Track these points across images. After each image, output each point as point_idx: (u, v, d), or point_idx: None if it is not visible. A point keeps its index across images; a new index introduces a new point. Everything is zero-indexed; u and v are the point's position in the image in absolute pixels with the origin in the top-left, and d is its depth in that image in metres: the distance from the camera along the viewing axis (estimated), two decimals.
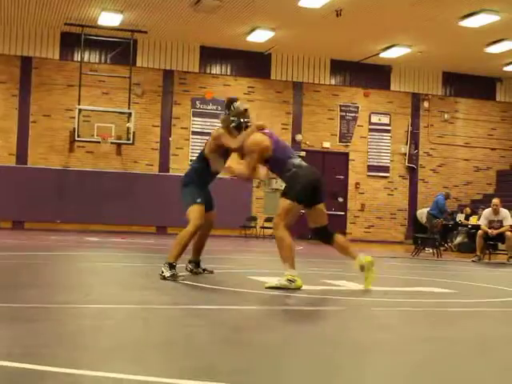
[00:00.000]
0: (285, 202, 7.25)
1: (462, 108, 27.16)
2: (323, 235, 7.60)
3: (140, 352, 3.66)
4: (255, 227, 24.04)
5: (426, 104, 26.64)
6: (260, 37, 22.65)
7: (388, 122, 26.33)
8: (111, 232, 21.71)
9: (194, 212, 7.76)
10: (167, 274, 7.37)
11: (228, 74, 24.94)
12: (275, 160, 7.37)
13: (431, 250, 17.24)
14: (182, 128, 24.34)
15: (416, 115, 26.59)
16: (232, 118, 7.60)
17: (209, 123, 24.50)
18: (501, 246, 15.59)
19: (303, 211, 7.49)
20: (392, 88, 26.33)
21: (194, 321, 4.88)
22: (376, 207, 25.95)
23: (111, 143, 22.62)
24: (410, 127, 26.44)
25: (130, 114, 22.57)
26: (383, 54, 24.18)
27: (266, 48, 24.06)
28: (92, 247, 14.18)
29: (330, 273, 9.62)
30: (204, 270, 8.29)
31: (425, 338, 4.57)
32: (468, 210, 21.66)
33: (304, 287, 7.29)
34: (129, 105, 22.86)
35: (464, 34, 21.13)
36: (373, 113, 26.14)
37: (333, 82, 25.88)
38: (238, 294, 6.65)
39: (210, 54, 24.51)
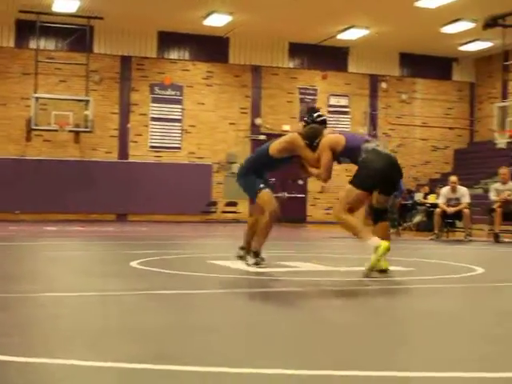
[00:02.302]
0: (350, 190, 7.16)
1: (420, 88, 27.40)
2: (378, 217, 7.38)
3: (98, 338, 3.69)
4: (216, 212, 24.05)
5: (383, 85, 26.83)
6: (217, 21, 22.59)
7: (347, 104, 26.48)
8: (71, 221, 21.59)
9: (263, 199, 7.61)
10: (251, 261, 7.54)
11: (186, 58, 24.86)
12: (349, 150, 7.25)
13: (390, 230, 17.43)
14: (140, 114, 24.23)
15: (374, 96, 26.78)
16: (309, 135, 7.50)
17: (168, 109, 24.44)
18: (459, 223, 15.78)
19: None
20: (350, 70, 26.46)
21: (151, 306, 4.91)
22: (335, 189, 26.08)
23: (69, 131, 22.45)
24: (368, 108, 26.63)
25: (87, 101, 22.39)
26: (341, 36, 24.28)
27: (223, 32, 24.00)
28: (51, 237, 14.09)
29: (289, 255, 9.70)
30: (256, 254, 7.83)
31: (381, 314, 4.66)
32: (426, 188, 21.87)
33: (263, 269, 7.37)
34: (86, 92, 22.67)
35: (420, 14, 21.29)
36: (331, 95, 26.26)
37: (291, 65, 25.94)
38: (198, 279, 6.68)
39: (167, 40, 24.40)
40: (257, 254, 7.53)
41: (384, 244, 6.71)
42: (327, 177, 7.51)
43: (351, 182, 7.15)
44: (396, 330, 4.18)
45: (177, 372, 2.94)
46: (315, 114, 7.79)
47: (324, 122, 7.73)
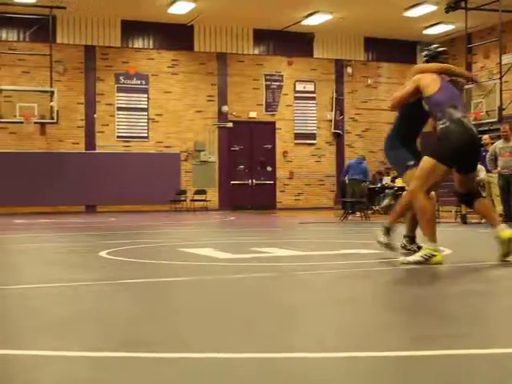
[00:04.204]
0: (427, 162, 6.48)
1: (385, 72, 27.54)
2: (468, 200, 6.86)
3: (67, 328, 3.68)
4: (185, 200, 24.03)
5: (349, 70, 26.92)
6: (181, 8, 22.48)
7: (313, 90, 26.54)
8: (39, 213, 21.45)
9: (410, 177, 6.89)
10: (380, 238, 7.11)
11: (151, 47, 24.74)
12: (434, 102, 6.64)
13: (359, 214, 17.58)
14: (106, 104, 24.08)
15: (340, 81, 26.86)
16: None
17: (134, 98, 24.32)
18: None
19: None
20: (315, 55, 26.50)
21: (120, 295, 4.91)
22: (304, 174, 26.23)
23: (35, 123, 22.23)
24: (334, 94, 26.71)
25: (52, 92, 22.17)
26: (305, 22, 24.30)
27: (188, 20, 23.90)
28: (20, 229, 14.00)
29: (260, 241, 9.73)
30: (418, 247, 7.11)
31: (347, 298, 4.71)
32: (394, 172, 22.02)
33: (234, 256, 7.40)
34: (51, 83, 22.43)
35: None
36: (297, 81, 26.30)
37: (256, 51, 25.92)
38: (167, 267, 6.69)
39: (131, 28, 24.24)
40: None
41: (439, 257, 6.33)
42: (394, 105, 7.08)
43: (430, 153, 6.49)
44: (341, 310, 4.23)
45: (146, 359, 2.95)
46: (433, 46, 7.39)
47: (444, 53, 7.28)
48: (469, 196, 6.78)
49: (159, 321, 3.90)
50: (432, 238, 6.37)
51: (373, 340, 3.33)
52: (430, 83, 6.72)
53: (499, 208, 14.52)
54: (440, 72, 6.88)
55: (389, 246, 7.08)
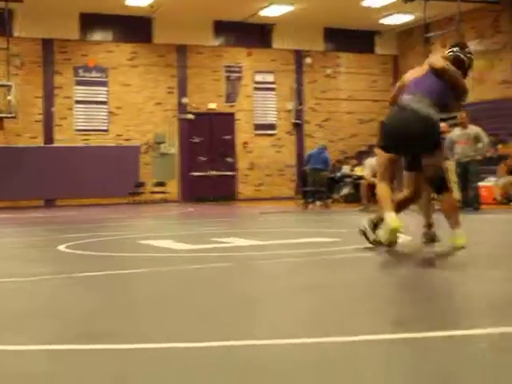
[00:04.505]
0: (377, 150, 6.65)
1: (344, 62, 27.68)
2: (436, 189, 6.68)
3: (25, 322, 3.67)
4: (144, 193, 23.97)
5: (308, 60, 27.01)
6: (140, 0, 22.37)
7: (272, 80, 26.59)
8: None
9: None
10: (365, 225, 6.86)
11: (110, 40, 24.59)
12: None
13: (320, 203, 17.70)
14: (65, 98, 23.87)
15: (299, 72, 26.95)
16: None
17: (93, 91, 24.15)
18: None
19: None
20: (275, 46, 26.56)
21: (78, 288, 4.90)
22: (265, 165, 26.29)
23: None
24: (294, 84, 26.79)
25: (9, 86, 21.91)
26: (264, 13, 24.31)
27: (146, 12, 23.76)
28: None
29: (220, 231, 9.76)
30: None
31: (306, 286, 4.75)
32: (354, 161, 22.20)
33: (193, 246, 7.41)
34: (8, 77, 22.18)
35: None
36: (257, 72, 26.32)
37: (216, 43, 25.91)
38: (126, 259, 6.68)
39: (89, 21, 24.07)
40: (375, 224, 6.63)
41: (394, 225, 6.17)
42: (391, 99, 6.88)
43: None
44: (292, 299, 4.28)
45: (105, 351, 2.96)
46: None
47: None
48: (434, 184, 6.60)
49: (118, 313, 3.91)
50: (387, 208, 6.30)
51: (331, 326, 3.37)
52: (409, 75, 6.73)
53: (457, 195, 14.71)
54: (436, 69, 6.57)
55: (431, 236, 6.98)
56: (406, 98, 6.46)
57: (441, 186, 6.50)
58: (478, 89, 22.09)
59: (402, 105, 6.47)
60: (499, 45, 23.60)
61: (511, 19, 23.71)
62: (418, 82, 6.56)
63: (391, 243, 6.39)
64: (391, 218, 6.20)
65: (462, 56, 6.75)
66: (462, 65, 6.70)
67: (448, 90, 6.54)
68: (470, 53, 6.83)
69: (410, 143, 6.43)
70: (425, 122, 6.32)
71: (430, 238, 7.06)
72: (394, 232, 6.22)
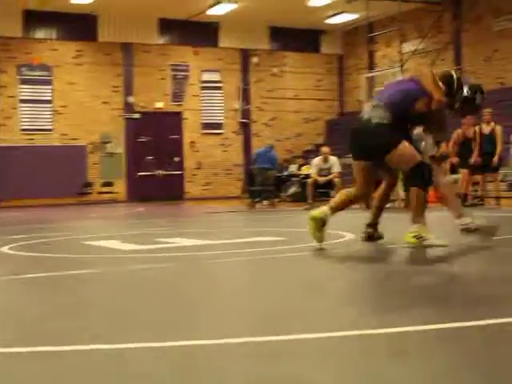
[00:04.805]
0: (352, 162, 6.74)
1: (290, 62, 27.85)
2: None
3: None
4: (92, 193, 23.78)
5: (254, 59, 27.11)
6: None
7: (219, 79, 26.63)
8: None
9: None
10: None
11: (54, 38, 24.33)
12: None
13: (267, 202, 17.80)
14: (8, 97, 23.56)
15: (246, 71, 27.04)
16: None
17: (37, 90, 23.87)
18: (332, 193, 16.21)
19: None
20: (221, 45, 26.59)
21: (23, 290, 4.87)
22: (212, 164, 26.31)
23: None
24: (240, 83, 26.86)
25: None
26: (210, 11, 24.31)
27: (91, 9, 23.57)
28: None
29: (165, 231, 9.76)
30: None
31: (251, 284, 4.81)
32: (300, 160, 22.36)
33: (138, 247, 7.41)
34: None
35: None
36: (203, 71, 26.32)
37: (162, 41, 25.83)
38: (71, 260, 6.65)
39: (33, 19, 23.78)
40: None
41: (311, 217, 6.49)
42: None
43: None
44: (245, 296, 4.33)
45: (49, 353, 2.96)
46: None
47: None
48: (422, 178, 6.37)
49: (62, 314, 3.90)
50: (332, 208, 6.56)
51: (275, 324, 3.42)
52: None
53: (401, 192, 14.90)
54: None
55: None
56: (369, 105, 6.57)
57: (429, 178, 6.39)
58: None
59: (365, 110, 6.56)
60: (440, 44, 24.02)
61: (452, 19, 24.16)
62: (384, 92, 6.70)
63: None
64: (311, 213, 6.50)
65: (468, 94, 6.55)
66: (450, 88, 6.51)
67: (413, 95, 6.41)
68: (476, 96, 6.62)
69: (360, 145, 6.53)
70: (365, 126, 6.40)
71: (368, 236, 7.02)
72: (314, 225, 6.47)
